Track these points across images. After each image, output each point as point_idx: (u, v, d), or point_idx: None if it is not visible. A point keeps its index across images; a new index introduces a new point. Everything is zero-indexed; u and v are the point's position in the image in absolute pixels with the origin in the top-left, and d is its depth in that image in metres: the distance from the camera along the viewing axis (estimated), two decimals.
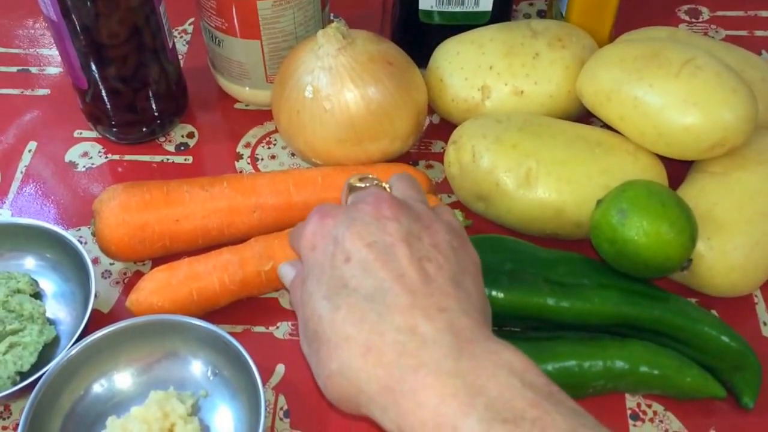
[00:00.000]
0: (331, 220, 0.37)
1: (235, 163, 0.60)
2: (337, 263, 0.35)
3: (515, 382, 0.31)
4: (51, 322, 0.50)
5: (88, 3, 0.50)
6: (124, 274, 0.53)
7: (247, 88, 0.61)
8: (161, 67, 0.57)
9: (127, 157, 0.60)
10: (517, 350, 0.32)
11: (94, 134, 0.61)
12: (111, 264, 0.54)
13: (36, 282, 0.51)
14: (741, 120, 0.48)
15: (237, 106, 0.64)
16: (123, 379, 0.47)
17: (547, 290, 0.47)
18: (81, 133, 0.61)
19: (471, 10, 0.61)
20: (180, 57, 0.68)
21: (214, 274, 0.49)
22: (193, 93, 0.64)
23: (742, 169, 0.50)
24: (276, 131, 0.61)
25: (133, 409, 0.44)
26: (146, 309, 0.48)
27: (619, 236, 0.45)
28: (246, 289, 0.50)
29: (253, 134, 0.62)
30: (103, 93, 0.56)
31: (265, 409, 0.43)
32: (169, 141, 0.61)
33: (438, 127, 0.62)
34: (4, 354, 0.47)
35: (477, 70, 0.57)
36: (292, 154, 0.61)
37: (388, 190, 0.40)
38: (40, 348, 0.48)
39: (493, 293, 0.46)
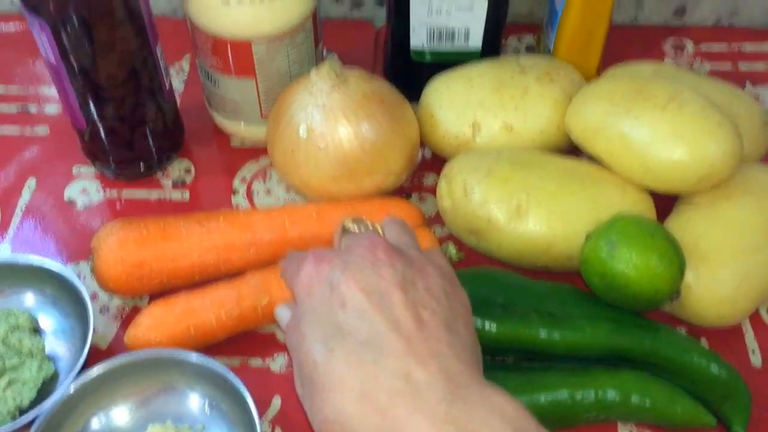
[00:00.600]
0: (327, 265, 0.38)
1: (232, 197, 0.61)
2: (333, 308, 0.36)
3: (506, 428, 0.32)
4: (50, 357, 0.51)
5: (86, 46, 0.51)
6: (122, 309, 0.54)
7: (243, 125, 0.62)
8: (158, 105, 0.58)
9: (125, 193, 0.61)
10: (508, 395, 0.33)
11: (92, 170, 0.62)
12: (109, 299, 0.54)
13: (35, 318, 0.52)
14: (727, 155, 0.49)
15: (233, 141, 0.65)
16: (121, 414, 0.48)
17: (539, 322, 0.48)
18: (80, 170, 0.62)
19: (461, 48, 0.63)
20: (177, 93, 0.69)
21: (211, 309, 0.49)
22: (189, 128, 0.65)
23: (728, 201, 0.51)
24: (271, 166, 0.62)
25: None
26: (144, 344, 0.49)
27: (609, 270, 0.46)
28: (243, 323, 0.51)
29: (249, 169, 0.63)
30: (101, 132, 0.57)
31: None
32: (167, 176, 0.62)
33: (430, 161, 0.63)
34: (4, 390, 0.47)
35: (467, 105, 0.58)
36: (288, 189, 0.62)
37: (381, 233, 0.41)
38: (40, 384, 0.49)
39: (486, 325, 0.47)
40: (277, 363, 0.52)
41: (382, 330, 0.34)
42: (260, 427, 0.44)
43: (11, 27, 0.74)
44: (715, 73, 0.70)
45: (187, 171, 0.63)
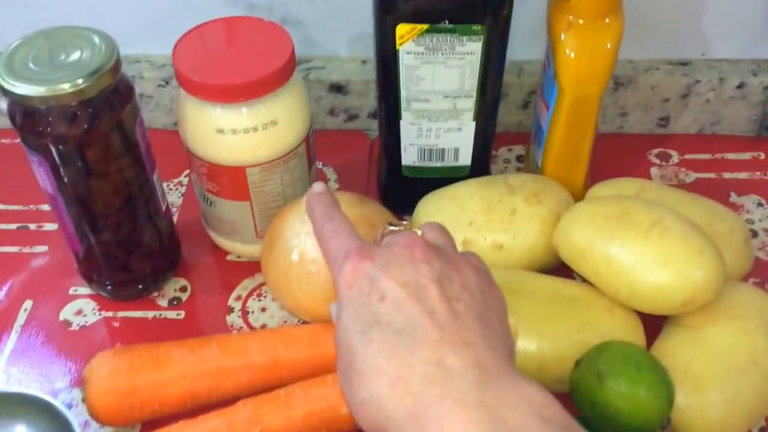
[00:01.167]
0: (369, 262, 0.39)
1: (227, 317, 0.62)
2: (372, 301, 0.38)
3: (534, 414, 0.33)
4: None
5: (84, 179, 0.53)
6: None
7: (239, 244, 0.64)
8: (155, 228, 0.60)
9: (121, 314, 0.62)
10: (538, 385, 0.34)
11: (89, 291, 0.63)
12: (101, 429, 0.54)
13: None
14: (710, 280, 0.50)
15: (229, 257, 0.66)
16: None
17: None
18: (76, 290, 0.63)
19: (451, 164, 0.65)
20: (175, 207, 0.70)
21: None
22: (186, 244, 0.66)
23: (714, 325, 0.51)
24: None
25: None
26: None
27: (598, 399, 0.47)
28: None
29: (245, 286, 0.64)
30: (97, 256, 0.58)
31: None
32: (162, 296, 0.63)
33: None
34: None
35: (458, 225, 0.59)
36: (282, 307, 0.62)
37: (420, 235, 0.43)
38: None
39: None
40: None
41: (418, 320, 0.36)
42: None
43: (9, 139, 0.76)
44: (700, 182, 0.71)
45: (183, 289, 0.64)
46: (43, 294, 0.63)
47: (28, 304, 0.62)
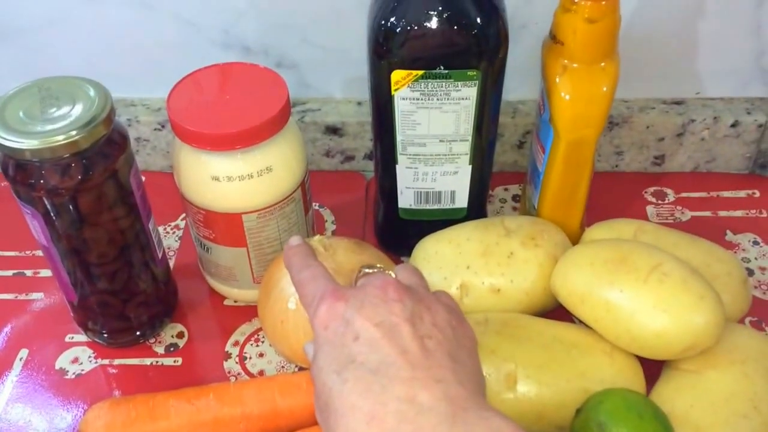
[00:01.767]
0: (343, 303, 0.41)
1: (224, 363, 0.61)
2: (347, 341, 0.39)
3: None
4: None
5: (78, 231, 0.52)
6: None
7: (235, 289, 0.63)
8: (151, 274, 0.59)
9: (117, 362, 0.61)
10: (507, 418, 0.35)
11: (85, 338, 0.62)
12: None
13: None
14: (710, 325, 0.50)
15: (226, 302, 0.66)
16: None
17: None
18: (72, 338, 0.63)
19: (448, 207, 0.65)
20: (171, 253, 0.70)
21: None
22: (183, 289, 0.66)
23: (714, 369, 0.51)
24: None
25: None
26: None
27: None
28: None
29: (242, 331, 0.64)
30: (94, 305, 0.58)
31: None
32: (159, 342, 0.63)
33: None
34: None
35: (455, 269, 0.59)
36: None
37: (393, 276, 0.45)
38: None
39: None
40: None
41: (391, 359, 0.37)
42: None
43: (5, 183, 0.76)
44: (696, 221, 0.71)
45: (180, 335, 0.63)
46: (39, 342, 0.63)
47: (23, 353, 0.62)
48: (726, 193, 0.74)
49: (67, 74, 0.54)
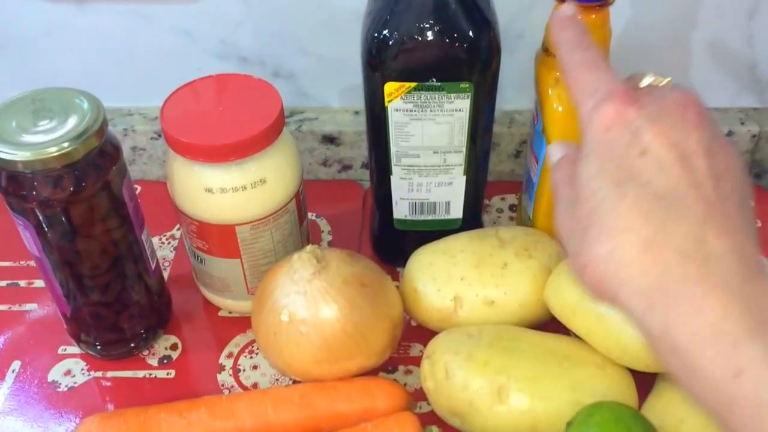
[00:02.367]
0: (635, 110, 0.35)
1: (218, 375, 0.61)
2: (631, 153, 0.34)
3: None
4: None
5: (70, 241, 0.52)
6: None
7: (229, 300, 0.63)
8: (144, 286, 0.59)
9: (110, 374, 0.61)
10: None
11: (78, 350, 0.62)
12: None
13: None
14: None
15: (221, 313, 0.66)
16: None
17: None
18: (65, 350, 0.63)
19: (443, 218, 0.65)
20: (166, 263, 0.70)
21: None
22: (178, 299, 0.66)
23: None
24: None
25: None
26: None
27: None
28: None
29: (236, 343, 0.63)
30: (87, 316, 0.58)
31: None
32: (153, 354, 0.62)
33: (416, 330, 0.63)
34: None
35: (449, 280, 0.59)
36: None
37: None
38: None
39: None
40: None
41: (682, 188, 0.33)
42: None
43: None
44: None
45: (174, 347, 0.63)
46: (32, 354, 0.62)
47: (16, 364, 0.62)
48: None
49: (63, 84, 0.54)
